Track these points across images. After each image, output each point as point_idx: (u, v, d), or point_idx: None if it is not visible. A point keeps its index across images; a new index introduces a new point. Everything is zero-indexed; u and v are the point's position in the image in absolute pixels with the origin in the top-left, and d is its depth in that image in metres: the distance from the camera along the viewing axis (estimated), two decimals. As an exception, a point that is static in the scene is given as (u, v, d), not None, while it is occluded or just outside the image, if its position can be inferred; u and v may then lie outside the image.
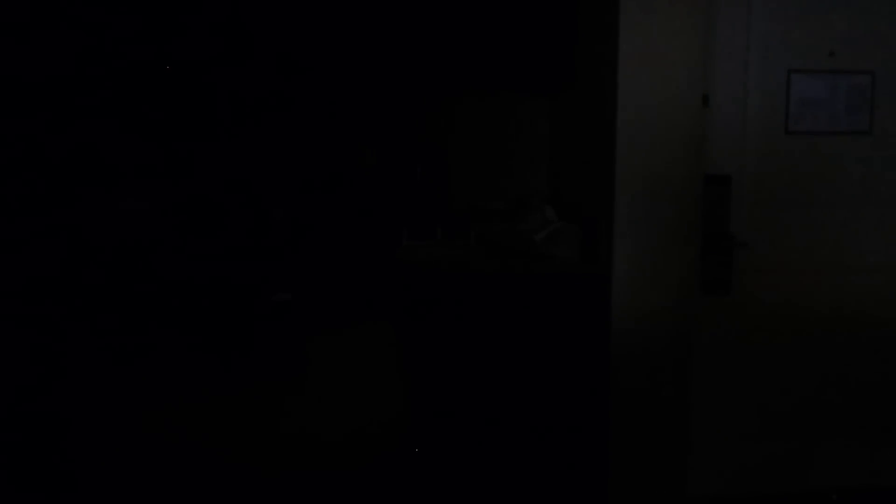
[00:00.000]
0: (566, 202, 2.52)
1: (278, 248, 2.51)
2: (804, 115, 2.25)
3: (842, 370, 2.34)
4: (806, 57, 2.24)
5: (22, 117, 2.33)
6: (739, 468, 2.33)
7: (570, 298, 2.13)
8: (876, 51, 2.25)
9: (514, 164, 2.76)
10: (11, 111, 2.32)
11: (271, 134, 2.62)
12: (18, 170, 2.33)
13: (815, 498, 2.34)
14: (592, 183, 2.28)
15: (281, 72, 2.52)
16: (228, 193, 2.56)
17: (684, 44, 2.08)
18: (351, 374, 2.10)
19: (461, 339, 2.11)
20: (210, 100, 2.52)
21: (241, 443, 2.03)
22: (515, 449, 2.16)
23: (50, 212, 2.34)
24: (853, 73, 2.25)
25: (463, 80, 2.55)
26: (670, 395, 2.18)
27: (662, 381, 2.17)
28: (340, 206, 2.67)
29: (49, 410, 2.01)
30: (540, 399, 2.16)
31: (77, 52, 2.33)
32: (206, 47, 2.42)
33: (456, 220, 2.62)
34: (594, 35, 2.30)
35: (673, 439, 2.20)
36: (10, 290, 2.11)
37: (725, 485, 2.33)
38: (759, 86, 2.22)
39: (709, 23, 2.12)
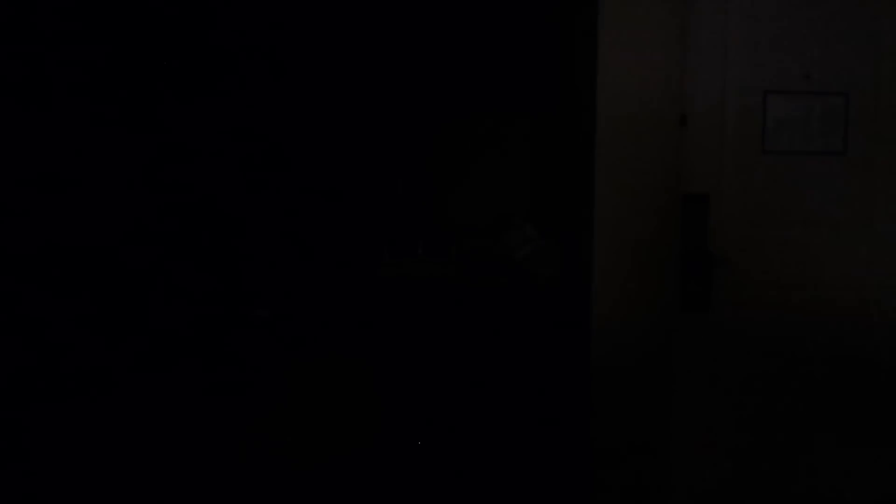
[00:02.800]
0: (547, 220, 2.53)
1: (257, 265, 2.48)
2: (780, 135, 2.29)
3: (821, 386, 2.35)
4: (781, 78, 2.27)
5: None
6: (720, 484, 2.33)
7: (551, 315, 2.13)
8: (849, 73, 2.29)
9: (496, 182, 2.77)
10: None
11: (251, 148, 2.60)
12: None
13: (795, 516, 2.35)
14: (573, 201, 2.30)
15: (263, 87, 2.51)
16: (206, 206, 2.53)
17: (662, 65, 2.11)
18: (328, 393, 2.08)
19: (440, 357, 2.10)
20: (189, 112, 2.50)
21: (211, 468, 1.99)
22: (497, 468, 2.14)
23: (21, 227, 2.30)
24: (828, 95, 2.29)
25: (445, 97, 2.56)
26: (651, 411, 2.18)
27: (643, 398, 2.17)
28: (321, 222, 2.66)
29: (16, 431, 1.96)
30: (520, 417, 2.15)
31: (46, 56, 2.31)
32: (186, 56, 2.41)
33: (437, 236, 2.61)
34: (574, 55, 2.32)
35: (654, 455, 2.20)
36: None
37: (706, 502, 2.32)
38: (736, 106, 2.25)
39: (686, 44, 2.15)
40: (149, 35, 2.35)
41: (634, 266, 2.13)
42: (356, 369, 2.11)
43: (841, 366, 2.36)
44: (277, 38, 2.44)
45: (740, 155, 2.27)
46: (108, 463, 1.96)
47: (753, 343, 2.31)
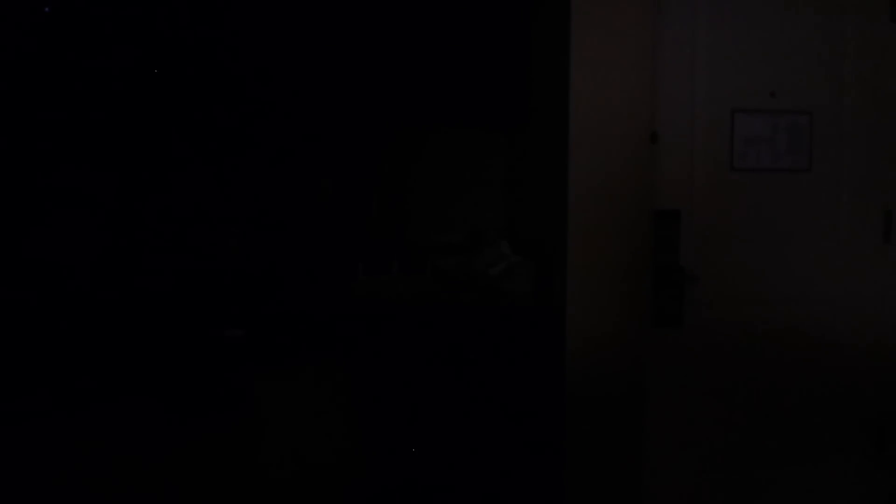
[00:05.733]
0: (522, 237, 2.55)
1: (231, 283, 2.46)
2: (748, 152, 2.33)
3: (793, 400, 2.39)
4: (748, 97, 2.32)
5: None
6: (694, 499, 2.35)
7: (525, 333, 2.14)
8: (813, 92, 2.35)
9: (471, 199, 2.78)
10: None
11: (226, 165, 2.59)
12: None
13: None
14: (546, 218, 2.31)
15: (237, 103, 2.50)
16: (179, 225, 2.51)
17: (633, 83, 2.15)
18: (302, 415, 2.05)
19: (415, 375, 2.09)
20: (163, 130, 2.48)
21: (184, 490, 1.95)
22: (471, 486, 2.13)
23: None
24: (793, 113, 2.35)
25: (419, 115, 2.57)
26: (625, 427, 2.19)
27: (617, 414, 2.18)
28: (295, 239, 2.64)
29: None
30: (495, 434, 2.14)
31: (23, 74, 2.27)
32: (158, 76, 2.39)
33: (412, 254, 2.61)
34: (548, 73, 2.35)
35: (628, 471, 2.21)
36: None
37: (681, 517, 2.34)
38: (705, 124, 2.29)
39: (656, 64, 2.19)
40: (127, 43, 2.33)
41: (607, 282, 2.15)
42: (331, 386, 2.10)
43: (811, 377, 2.39)
44: (261, 56, 2.43)
45: (710, 172, 2.31)
46: (79, 475, 1.92)
47: (725, 357, 2.34)
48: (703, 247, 2.31)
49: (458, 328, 2.11)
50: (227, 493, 1.97)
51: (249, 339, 2.16)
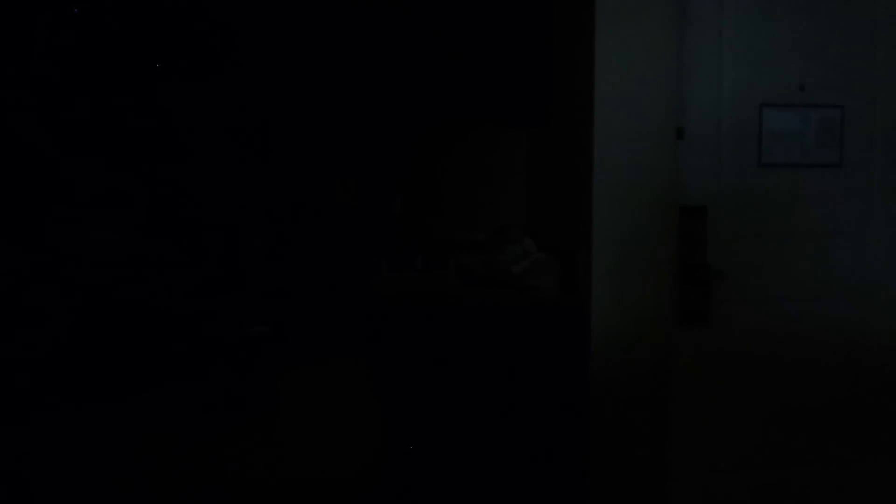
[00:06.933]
0: (545, 233, 2.54)
1: (256, 280, 2.48)
2: (776, 147, 2.30)
3: (821, 399, 2.35)
4: (777, 91, 2.28)
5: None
6: (719, 499, 2.32)
7: (549, 331, 2.13)
8: (844, 86, 2.30)
9: (494, 195, 2.78)
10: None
11: (250, 163, 2.61)
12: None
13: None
14: (570, 214, 2.30)
15: (260, 102, 2.52)
16: (205, 223, 2.53)
17: (659, 78, 2.12)
18: (326, 412, 2.07)
19: (439, 373, 2.09)
20: (186, 128, 2.51)
21: (209, 486, 1.97)
22: (495, 485, 2.13)
23: (17, 243, 2.30)
24: (823, 108, 2.31)
25: (442, 111, 2.56)
26: (650, 426, 2.18)
27: (642, 412, 2.17)
28: (320, 236, 2.66)
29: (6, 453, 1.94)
30: (519, 433, 2.14)
31: (42, 75, 2.31)
32: (181, 76, 2.42)
33: (435, 250, 2.61)
34: (570, 68, 2.33)
35: (652, 470, 2.19)
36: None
37: (707, 517, 2.31)
38: (733, 119, 2.26)
39: (682, 57, 2.17)
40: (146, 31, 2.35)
41: (633, 279, 2.13)
42: (355, 383, 2.10)
43: (842, 375, 2.35)
44: (288, 56, 2.45)
45: (737, 167, 2.28)
46: (106, 473, 1.95)
47: (753, 356, 2.30)
48: (731, 243, 2.28)
49: (482, 325, 2.11)
50: (249, 489, 1.99)
51: (274, 335, 2.17)
